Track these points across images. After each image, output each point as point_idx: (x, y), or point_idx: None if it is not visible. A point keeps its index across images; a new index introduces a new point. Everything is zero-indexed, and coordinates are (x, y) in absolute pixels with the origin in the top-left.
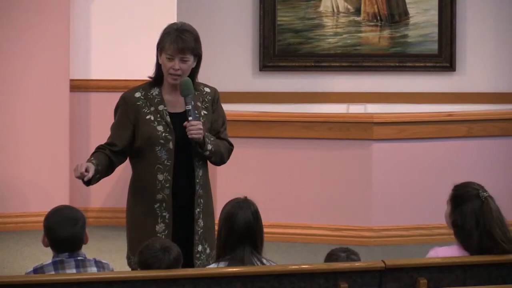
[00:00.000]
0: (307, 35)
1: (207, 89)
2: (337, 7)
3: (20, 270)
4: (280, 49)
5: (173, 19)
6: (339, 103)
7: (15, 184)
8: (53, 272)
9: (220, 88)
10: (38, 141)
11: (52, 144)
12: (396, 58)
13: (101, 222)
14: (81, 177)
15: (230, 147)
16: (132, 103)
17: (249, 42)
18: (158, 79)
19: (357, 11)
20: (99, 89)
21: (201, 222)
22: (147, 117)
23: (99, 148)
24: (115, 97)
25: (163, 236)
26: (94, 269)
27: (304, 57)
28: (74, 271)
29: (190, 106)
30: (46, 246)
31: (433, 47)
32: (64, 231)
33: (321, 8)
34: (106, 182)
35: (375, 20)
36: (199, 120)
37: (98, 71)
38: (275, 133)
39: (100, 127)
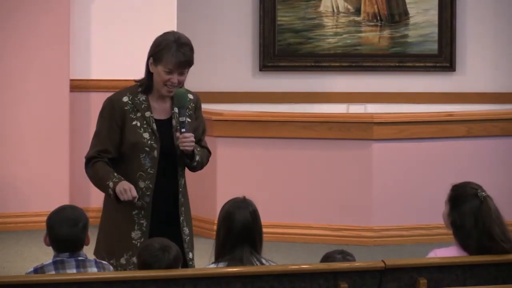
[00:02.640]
0: (307, 35)
1: (191, 96)
2: (337, 7)
3: (20, 270)
4: (280, 49)
5: (173, 19)
6: (339, 103)
7: (15, 184)
8: (53, 272)
9: (220, 88)
10: (38, 141)
11: (52, 144)
12: (396, 58)
13: None
14: (132, 201)
15: (209, 154)
16: (120, 107)
17: (249, 42)
18: (148, 86)
19: (357, 11)
20: (99, 89)
21: (186, 230)
22: (133, 123)
23: (97, 158)
24: None
25: (139, 243)
26: (94, 270)
27: (304, 57)
28: (74, 271)
29: (184, 118)
30: (47, 245)
31: (433, 47)
32: (65, 231)
33: (321, 8)
34: None
35: (375, 20)
36: (190, 132)
37: (98, 71)
38: (275, 133)
39: None
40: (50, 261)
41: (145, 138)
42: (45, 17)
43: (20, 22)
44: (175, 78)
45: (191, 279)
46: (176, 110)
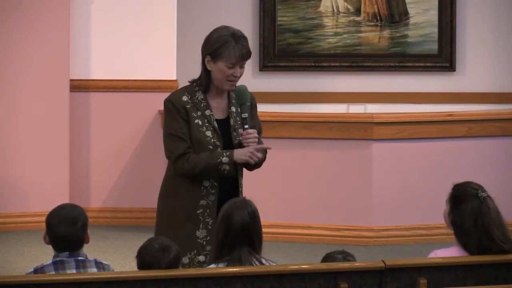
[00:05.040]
0: (307, 35)
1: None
2: (337, 7)
3: (20, 270)
4: (280, 49)
5: (173, 19)
6: (339, 103)
7: (15, 184)
8: (53, 272)
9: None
10: (38, 141)
11: (52, 144)
12: (396, 58)
13: (101, 222)
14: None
15: (266, 153)
16: (182, 106)
17: (249, 42)
18: (206, 85)
19: (357, 11)
20: (99, 89)
21: None
22: (196, 121)
23: (188, 154)
24: (115, 97)
25: (204, 242)
26: (94, 270)
27: (304, 57)
28: (74, 271)
29: (246, 114)
30: (47, 243)
31: (433, 47)
32: (63, 229)
33: (321, 8)
34: (106, 182)
35: (375, 20)
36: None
37: (98, 71)
38: (275, 133)
39: (100, 127)
40: (50, 261)
41: (208, 136)
42: (45, 17)
43: (20, 22)
44: (237, 71)
45: (191, 279)
46: (233, 109)
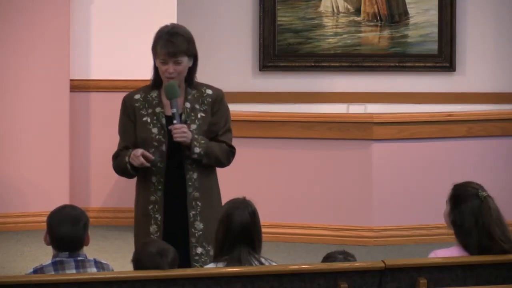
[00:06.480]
0: (307, 35)
1: (209, 91)
2: (337, 7)
3: (20, 270)
4: (280, 49)
5: (173, 19)
6: (339, 103)
7: (15, 184)
8: (53, 273)
9: (220, 88)
10: (38, 141)
11: (52, 144)
12: (396, 58)
13: (101, 222)
14: (147, 161)
15: (230, 149)
16: (131, 105)
17: (249, 42)
18: (156, 81)
19: (357, 11)
20: (99, 89)
21: (199, 225)
22: (144, 118)
23: (118, 156)
24: (115, 97)
25: (156, 237)
26: (93, 270)
27: (304, 57)
28: (73, 271)
29: (174, 109)
30: (47, 244)
31: (433, 47)
32: (64, 230)
33: (321, 8)
34: (106, 182)
35: (375, 20)
36: (183, 123)
37: (98, 71)
38: (275, 133)
39: (100, 127)
40: (49, 261)
41: (153, 133)
42: (45, 17)
43: (20, 21)
44: (170, 67)
45: (191, 279)
46: (187, 105)
